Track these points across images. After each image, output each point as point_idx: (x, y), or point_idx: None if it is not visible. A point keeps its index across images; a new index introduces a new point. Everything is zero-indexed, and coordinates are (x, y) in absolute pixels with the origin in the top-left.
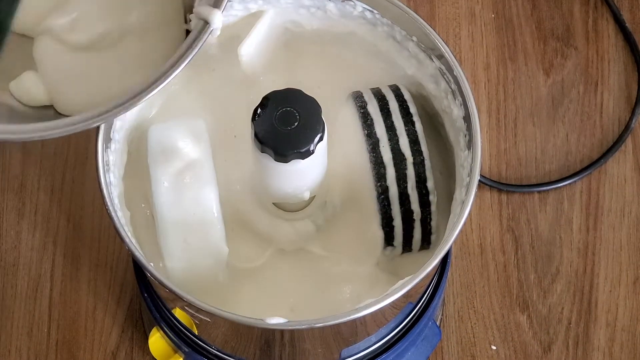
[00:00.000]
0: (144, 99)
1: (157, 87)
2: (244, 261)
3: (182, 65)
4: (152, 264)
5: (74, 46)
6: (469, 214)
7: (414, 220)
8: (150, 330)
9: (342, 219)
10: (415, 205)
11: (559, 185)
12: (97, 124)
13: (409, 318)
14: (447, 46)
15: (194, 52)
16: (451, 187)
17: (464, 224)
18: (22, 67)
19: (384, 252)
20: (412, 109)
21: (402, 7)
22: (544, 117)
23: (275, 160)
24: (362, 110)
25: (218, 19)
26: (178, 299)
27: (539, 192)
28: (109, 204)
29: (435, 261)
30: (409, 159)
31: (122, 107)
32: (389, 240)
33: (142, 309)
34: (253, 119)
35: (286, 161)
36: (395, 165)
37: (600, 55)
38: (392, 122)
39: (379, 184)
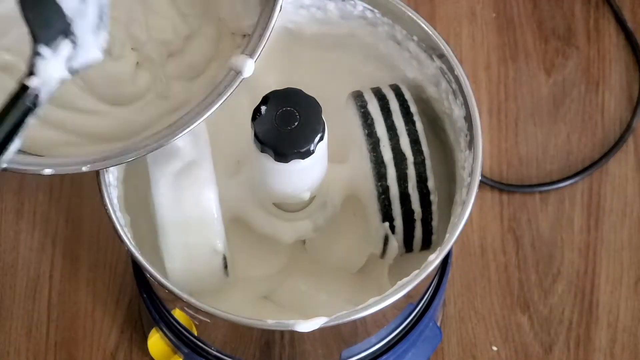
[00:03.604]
0: (169, 142)
1: (184, 131)
2: (244, 262)
3: (210, 112)
4: (151, 264)
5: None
6: (470, 214)
7: (414, 220)
8: (149, 331)
9: (342, 219)
10: (416, 205)
11: (560, 185)
12: (117, 163)
13: (410, 319)
14: (448, 45)
15: (223, 99)
16: (452, 192)
17: (465, 224)
18: None
19: (385, 253)
20: (413, 109)
21: (403, 6)
22: (545, 116)
23: (276, 160)
24: (362, 110)
25: (250, 69)
26: (177, 299)
27: (540, 192)
28: (108, 204)
29: (436, 261)
30: (410, 158)
31: (144, 150)
32: (389, 240)
33: (141, 309)
34: (253, 118)
35: (286, 161)
36: (396, 164)
37: (601, 55)
38: (393, 121)
39: (379, 183)
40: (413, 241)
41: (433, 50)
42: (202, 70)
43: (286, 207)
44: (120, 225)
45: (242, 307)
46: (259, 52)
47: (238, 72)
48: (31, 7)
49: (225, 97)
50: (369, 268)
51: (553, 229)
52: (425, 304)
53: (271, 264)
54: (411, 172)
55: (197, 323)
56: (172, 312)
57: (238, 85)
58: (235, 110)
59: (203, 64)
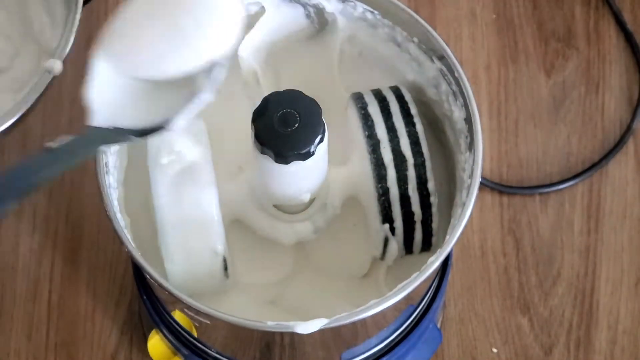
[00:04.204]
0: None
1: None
2: (244, 263)
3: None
4: (151, 266)
5: None
6: (470, 216)
7: (414, 222)
8: (149, 333)
9: (342, 221)
10: (416, 207)
11: (560, 187)
12: None
13: (410, 321)
14: (448, 47)
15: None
16: (452, 194)
17: (465, 225)
18: None
19: (385, 255)
20: (413, 110)
21: (403, 7)
22: (545, 118)
23: (276, 161)
24: (362, 112)
25: (58, 68)
26: (177, 301)
27: (540, 194)
28: (108, 205)
29: (436, 263)
30: (410, 160)
31: None
32: (389, 242)
33: (141, 311)
34: (253, 120)
35: (286, 162)
36: (396, 166)
37: (601, 56)
38: (393, 123)
39: (379, 185)
40: (413, 243)
41: (433, 52)
42: (26, 82)
43: (286, 209)
44: (121, 226)
45: (242, 308)
46: (65, 53)
47: (50, 72)
48: None
49: (39, 94)
50: (369, 270)
51: (553, 230)
52: (426, 305)
53: (276, 270)
54: (411, 173)
55: (197, 325)
56: (172, 313)
57: (50, 82)
58: (237, 113)
59: (27, 77)
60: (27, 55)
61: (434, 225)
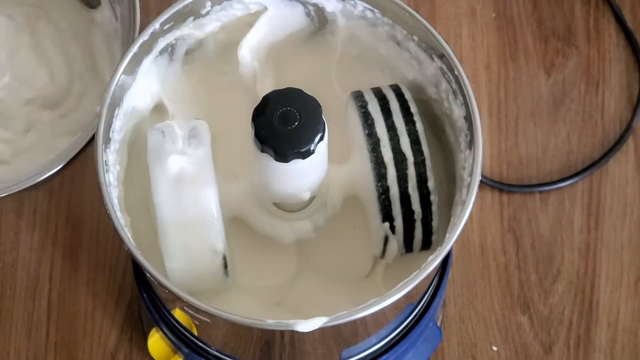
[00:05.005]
0: None
1: None
2: (244, 262)
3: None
4: (151, 264)
5: None
6: (470, 214)
7: (415, 220)
8: (149, 331)
9: (342, 220)
10: (416, 206)
11: (560, 185)
12: None
13: (410, 319)
14: (448, 45)
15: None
16: (452, 192)
17: (465, 224)
18: None
19: (385, 253)
20: (413, 109)
21: (403, 6)
22: (545, 116)
23: (276, 160)
24: (362, 110)
25: None
26: (177, 299)
27: (540, 192)
28: (108, 203)
29: (436, 261)
30: (410, 158)
31: None
32: (390, 240)
33: (141, 309)
34: (253, 118)
35: (286, 161)
36: (396, 165)
37: (601, 55)
38: (393, 121)
39: (379, 184)
40: (413, 241)
41: (433, 50)
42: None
43: (286, 207)
44: (121, 225)
45: (242, 306)
46: None
47: None
48: None
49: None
50: (369, 267)
51: (553, 229)
52: (426, 304)
53: (278, 273)
54: (411, 172)
55: (197, 323)
56: (172, 312)
57: None
58: (237, 111)
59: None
60: (94, 96)
61: (434, 223)
